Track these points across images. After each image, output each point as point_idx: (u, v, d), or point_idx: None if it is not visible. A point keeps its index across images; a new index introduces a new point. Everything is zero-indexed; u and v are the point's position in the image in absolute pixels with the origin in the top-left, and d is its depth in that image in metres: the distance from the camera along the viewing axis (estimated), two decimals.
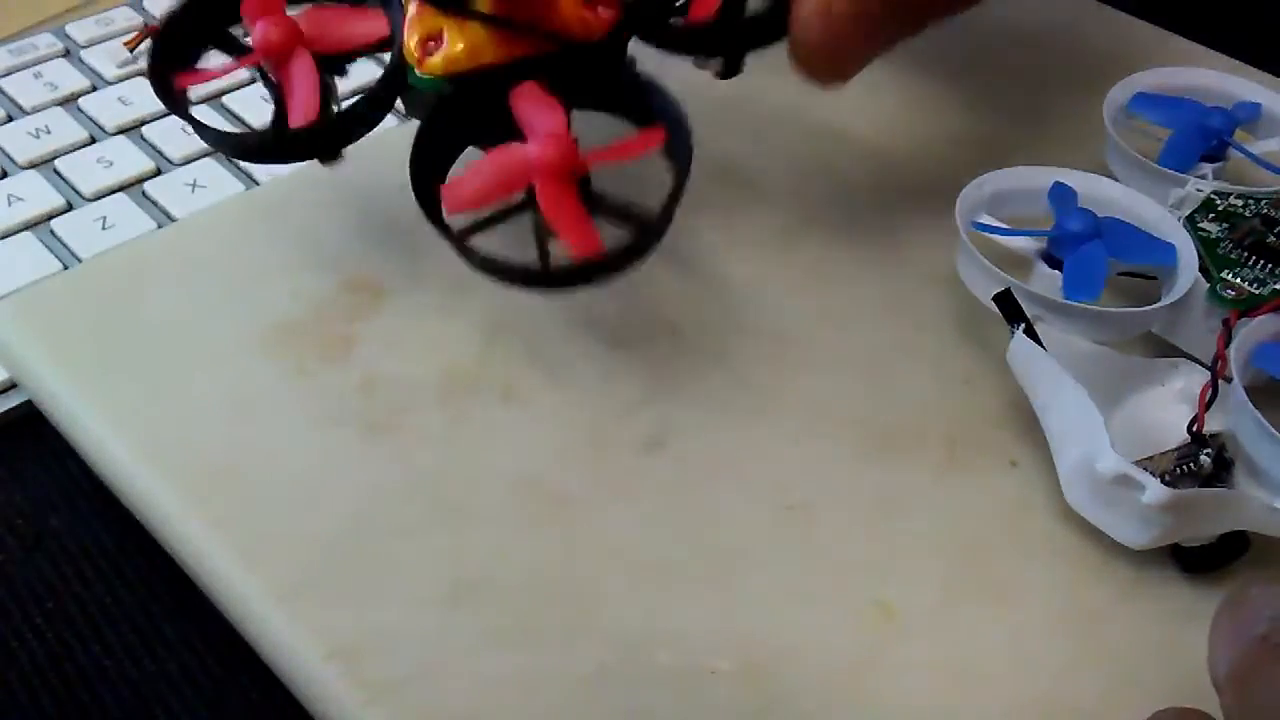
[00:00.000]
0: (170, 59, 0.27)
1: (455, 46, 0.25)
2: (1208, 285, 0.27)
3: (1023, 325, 0.26)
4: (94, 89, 0.40)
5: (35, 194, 0.35)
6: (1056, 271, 0.28)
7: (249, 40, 0.27)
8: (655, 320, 0.29)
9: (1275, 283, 0.27)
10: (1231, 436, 0.25)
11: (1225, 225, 0.29)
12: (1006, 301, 0.26)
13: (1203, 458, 0.25)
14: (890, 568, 0.25)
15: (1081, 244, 0.27)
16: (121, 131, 0.38)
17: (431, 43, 0.26)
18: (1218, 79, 0.34)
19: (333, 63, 0.27)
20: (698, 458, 0.26)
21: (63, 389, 0.28)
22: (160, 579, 0.27)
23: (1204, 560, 0.25)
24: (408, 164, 0.25)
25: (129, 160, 0.37)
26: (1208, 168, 0.31)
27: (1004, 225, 0.29)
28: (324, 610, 0.24)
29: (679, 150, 0.25)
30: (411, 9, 0.26)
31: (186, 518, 0.25)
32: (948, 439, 0.27)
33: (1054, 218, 0.28)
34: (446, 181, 0.25)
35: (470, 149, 0.27)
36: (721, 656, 0.23)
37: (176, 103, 0.26)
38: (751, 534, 0.25)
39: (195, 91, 0.34)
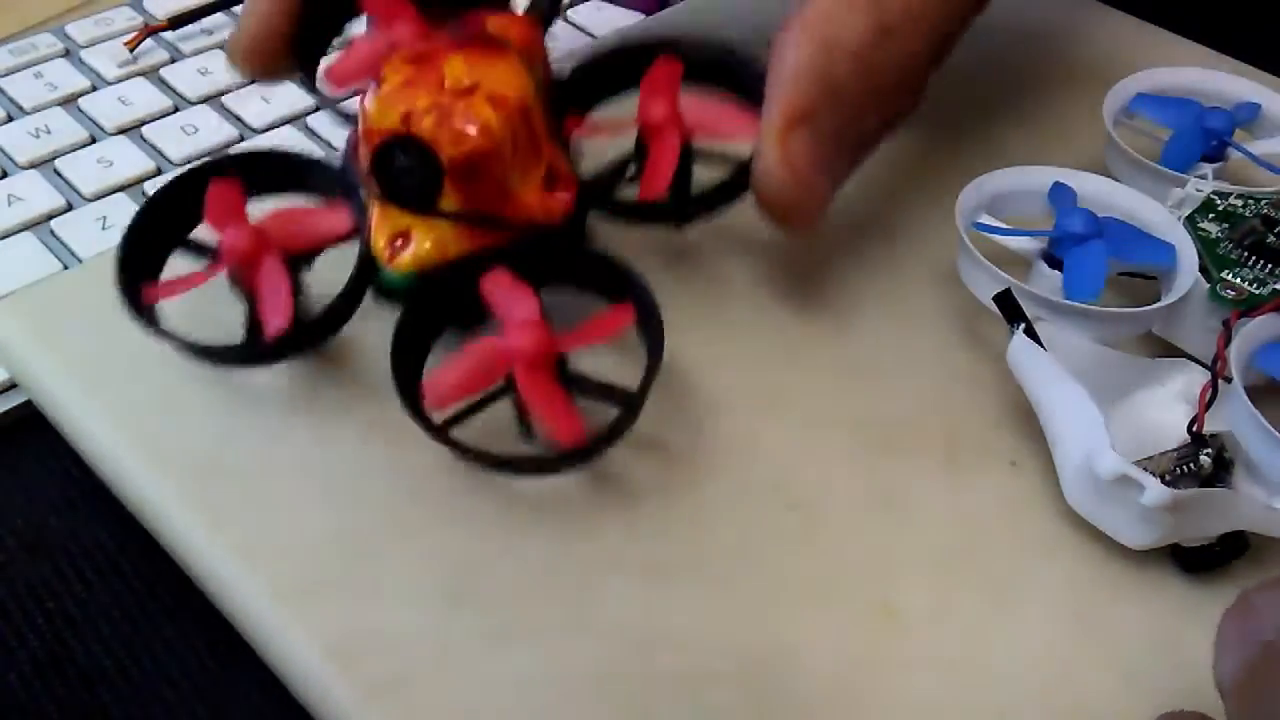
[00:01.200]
0: (136, 268, 0.27)
1: (423, 244, 0.26)
2: (1208, 285, 0.27)
3: (1023, 325, 0.26)
4: (94, 89, 0.40)
5: (35, 194, 0.35)
6: (1056, 271, 0.28)
7: (217, 241, 0.27)
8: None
9: (1275, 283, 0.27)
10: (1231, 437, 0.25)
11: (1225, 225, 0.29)
12: (1006, 301, 0.26)
13: (1203, 458, 0.25)
14: (891, 568, 0.25)
15: (1081, 244, 0.27)
16: (121, 131, 0.38)
17: (399, 241, 0.26)
18: (1218, 79, 0.34)
19: (298, 259, 0.27)
20: (698, 457, 0.26)
21: (63, 389, 0.28)
22: (160, 579, 0.27)
23: (1204, 560, 0.25)
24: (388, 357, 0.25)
25: (129, 160, 0.37)
26: (1208, 168, 0.31)
27: (1004, 225, 0.29)
28: (324, 610, 0.24)
29: (649, 327, 0.25)
30: (375, 210, 0.26)
31: (186, 518, 0.25)
32: (948, 439, 0.27)
33: (1054, 218, 0.28)
34: (424, 369, 0.26)
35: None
36: (721, 656, 0.23)
37: (147, 319, 0.26)
38: (752, 534, 0.25)
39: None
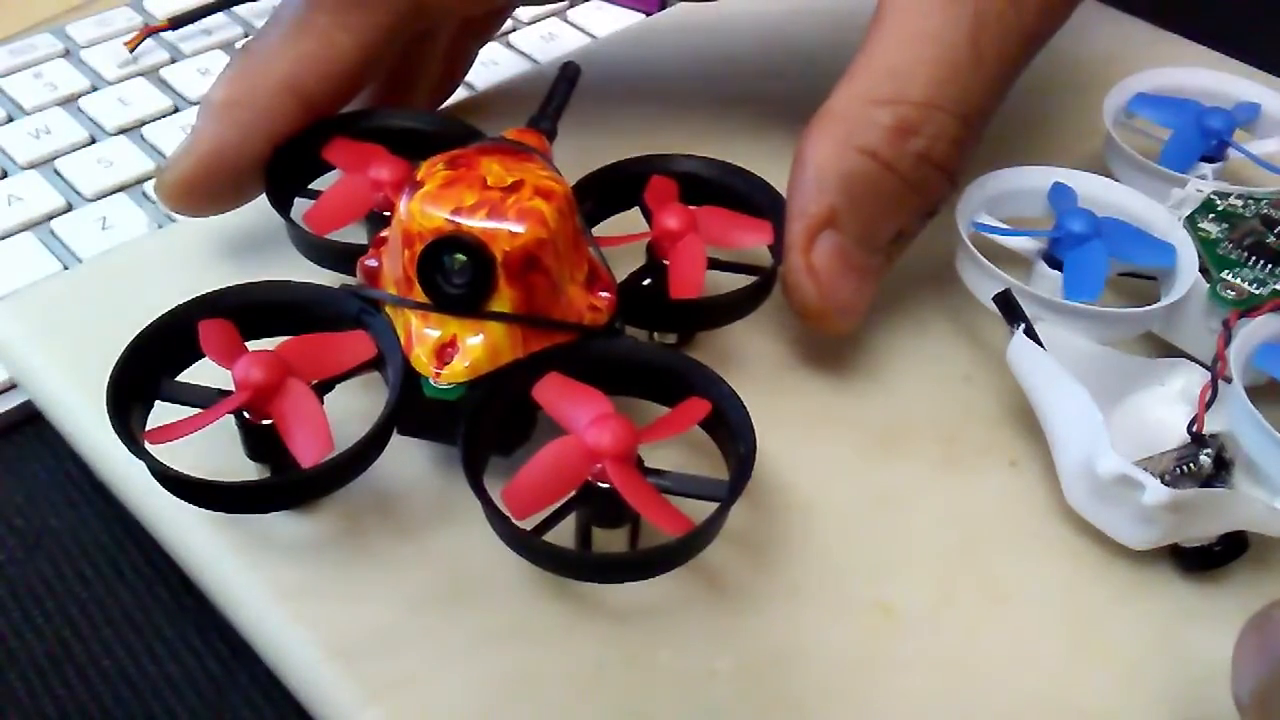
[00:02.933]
0: (128, 405, 0.24)
1: (473, 351, 0.24)
2: (1207, 285, 0.27)
3: (1023, 325, 0.26)
4: (94, 89, 0.40)
5: (35, 194, 0.35)
6: (1056, 271, 0.28)
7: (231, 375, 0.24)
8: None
9: (1275, 283, 0.27)
10: (1231, 437, 0.25)
11: (1225, 225, 0.29)
12: (1006, 302, 0.26)
13: (1202, 458, 0.25)
14: (890, 567, 0.25)
15: (1081, 244, 0.27)
16: (121, 131, 0.38)
17: (447, 350, 0.24)
18: (1217, 79, 0.34)
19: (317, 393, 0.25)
20: (697, 457, 0.26)
21: (63, 389, 0.28)
22: (160, 579, 0.27)
23: (1204, 560, 0.25)
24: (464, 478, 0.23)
25: (129, 160, 0.37)
26: (1207, 168, 0.31)
27: (1004, 225, 0.29)
28: (324, 610, 0.24)
29: (731, 421, 0.24)
30: (415, 320, 0.25)
31: (186, 517, 0.25)
32: (947, 438, 0.27)
33: (1054, 218, 0.28)
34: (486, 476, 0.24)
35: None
36: (721, 656, 0.23)
37: (149, 460, 0.23)
38: (751, 534, 0.25)
39: None
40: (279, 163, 0.29)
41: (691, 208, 0.28)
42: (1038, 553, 0.25)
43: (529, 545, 0.23)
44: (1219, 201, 0.29)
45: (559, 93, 0.31)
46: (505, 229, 0.24)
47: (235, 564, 0.25)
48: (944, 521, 0.26)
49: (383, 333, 0.25)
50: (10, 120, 0.38)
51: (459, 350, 0.24)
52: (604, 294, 0.26)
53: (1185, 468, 0.25)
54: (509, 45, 0.43)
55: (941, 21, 0.26)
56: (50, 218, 0.35)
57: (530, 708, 0.23)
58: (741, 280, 0.27)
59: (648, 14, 0.43)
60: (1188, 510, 0.24)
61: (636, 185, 0.29)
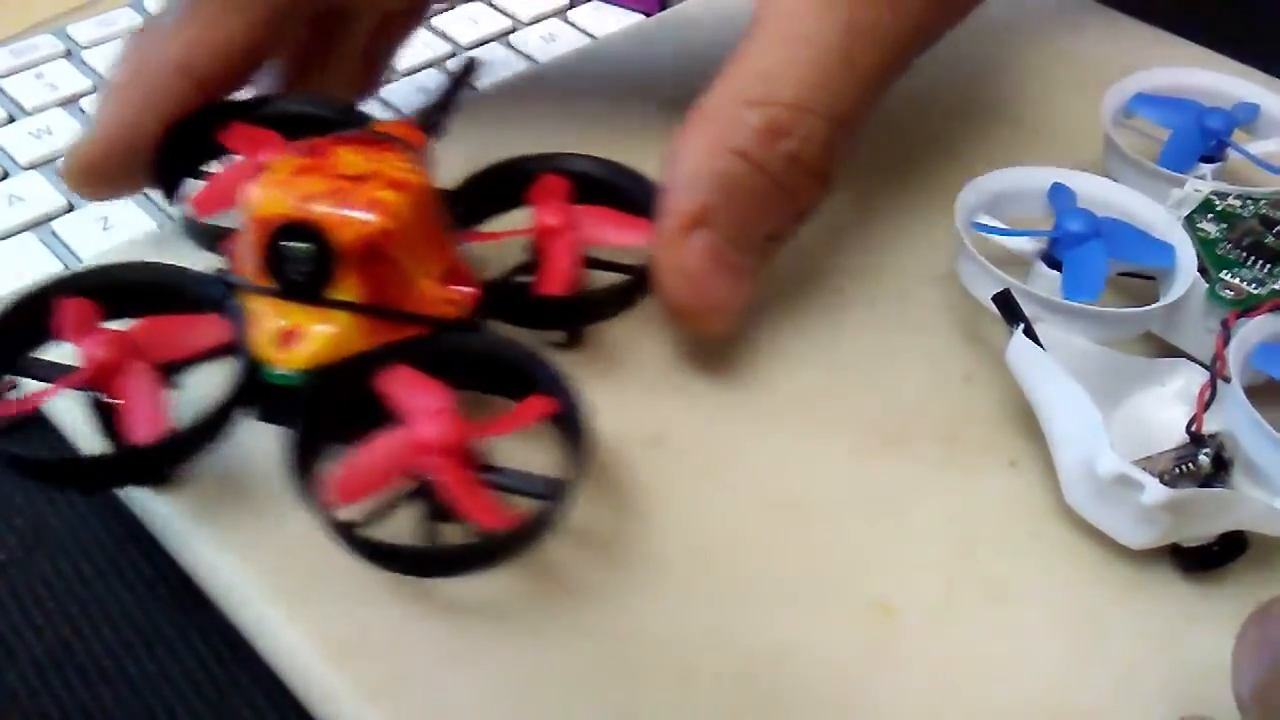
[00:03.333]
0: None
1: (317, 339, 0.24)
2: (1206, 285, 0.27)
3: (1022, 325, 0.26)
4: (95, 90, 0.40)
5: (36, 194, 0.35)
6: (1056, 272, 0.28)
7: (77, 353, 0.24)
8: (654, 319, 0.29)
9: (1274, 283, 0.27)
10: (1230, 436, 0.25)
11: (1224, 225, 0.29)
12: (1005, 301, 0.26)
13: (1201, 458, 0.25)
14: (890, 567, 0.25)
15: (1080, 244, 0.27)
16: None
17: (288, 337, 0.24)
18: (1216, 79, 0.34)
19: (167, 375, 0.25)
20: (697, 457, 0.26)
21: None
22: (160, 579, 0.27)
23: (1203, 560, 0.25)
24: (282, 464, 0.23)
25: None
26: (1206, 168, 0.31)
27: (1003, 226, 0.29)
28: (324, 610, 0.24)
29: (572, 421, 0.24)
30: (260, 305, 0.25)
31: (186, 517, 0.25)
32: (947, 438, 0.27)
33: (1054, 218, 0.28)
34: (319, 473, 0.24)
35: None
36: (720, 656, 0.23)
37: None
38: (751, 533, 0.25)
39: None
40: (170, 144, 0.29)
41: (574, 206, 0.28)
42: (1038, 553, 0.25)
43: (339, 532, 0.22)
44: (1218, 201, 0.29)
45: (451, 88, 0.31)
46: (350, 217, 0.24)
47: (236, 564, 0.25)
48: (944, 521, 0.26)
49: (241, 317, 0.25)
50: (11, 120, 0.38)
51: (302, 338, 0.24)
52: (463, 288, 0.26)
53: (1184, 468, 0.25)
54: (509, 45, 0.43)
55: (816, 26, 0.26)
56: (51, 218, 0.35)
57: (530, 708, 0.23)
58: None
59: (648, 14, 0.43)
60: (1187, 510, 0.24)
61: (528, 183, 0.28)
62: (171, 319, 0.25)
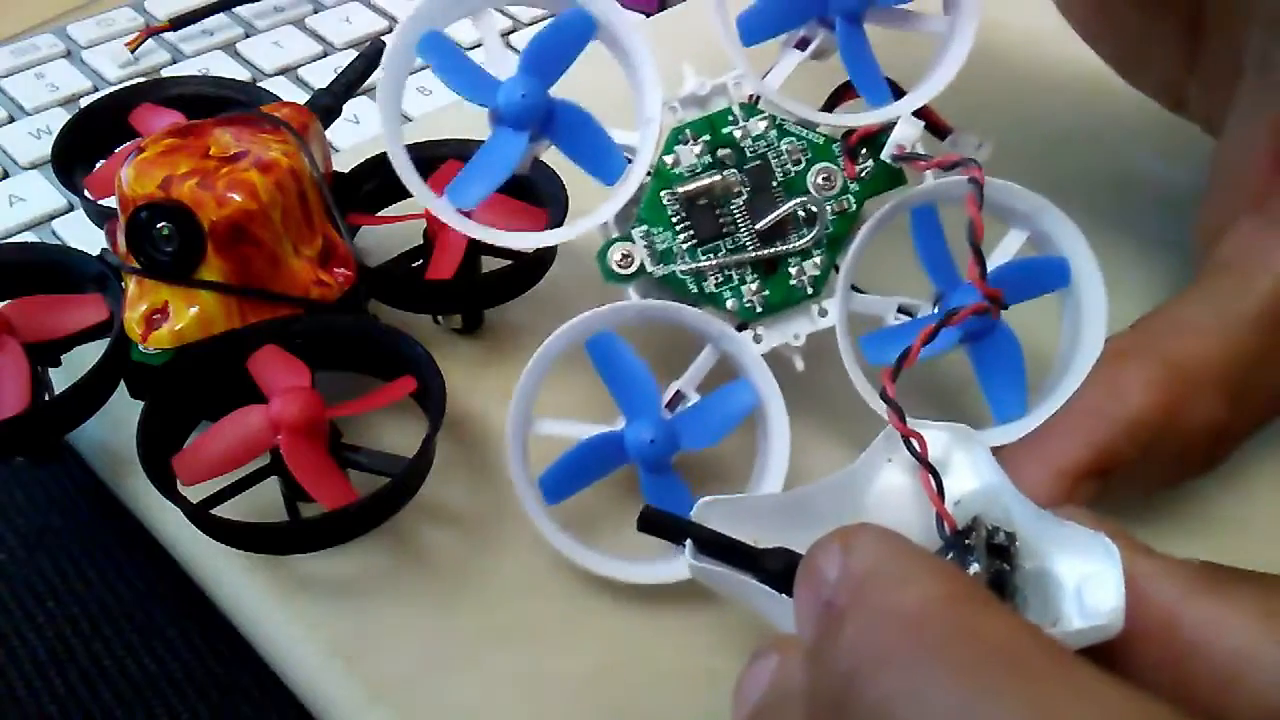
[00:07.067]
0: None
1: (184, 318, 0.24)
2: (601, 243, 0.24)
3: (688, 543, 0.21)
4: (95, 89, 0.40)
5: (37, 194, 0.35)
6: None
7: None
8: (654, 320, 0.29)
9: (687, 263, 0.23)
10: (983, 513, 0.21)
11: (706, 160, 0.23)
12: (653, 524, 0.21)
13: (974, 566, 0.20)
14: None
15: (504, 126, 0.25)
16: None
17: (157, 316, 0.25)
18: None
19: (45, 353, 0.25)
20: (697, 456, 0.26)
21: None
22: (160, 579, 0.27)
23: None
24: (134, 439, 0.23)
25: None
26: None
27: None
28: (324, 610, 0.24)
29: (431, 394, 0.24)
30: (132, 285, 0.25)
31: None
32: None
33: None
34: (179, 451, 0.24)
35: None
36: (721, 656, 0.23)
37: None
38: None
39: None
40: (75, 128, 0.29)
41: None
42: None
43: (191, 514, 0.23)
44: (730, 124, 0.23)
45: (351, 70, 0.31)
46: (213, 198, 0.24)
47: (235, 564, 0.25)
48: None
49: (120, 297, 0.25)
50: (11, 120, 0.38)
51: (169, 317, 0.25)
52: (340, 270, 0.26)
53: (968, 561, 0.20)
54: (509, 45, 0.43)
55: None
56: (52, 218, 0.35)
57: (530, 708, 0.23)
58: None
59: (648, 14, 0.43)
60: None
61: (430, 169, 0.28)
62: (49, 298, 0.25)
